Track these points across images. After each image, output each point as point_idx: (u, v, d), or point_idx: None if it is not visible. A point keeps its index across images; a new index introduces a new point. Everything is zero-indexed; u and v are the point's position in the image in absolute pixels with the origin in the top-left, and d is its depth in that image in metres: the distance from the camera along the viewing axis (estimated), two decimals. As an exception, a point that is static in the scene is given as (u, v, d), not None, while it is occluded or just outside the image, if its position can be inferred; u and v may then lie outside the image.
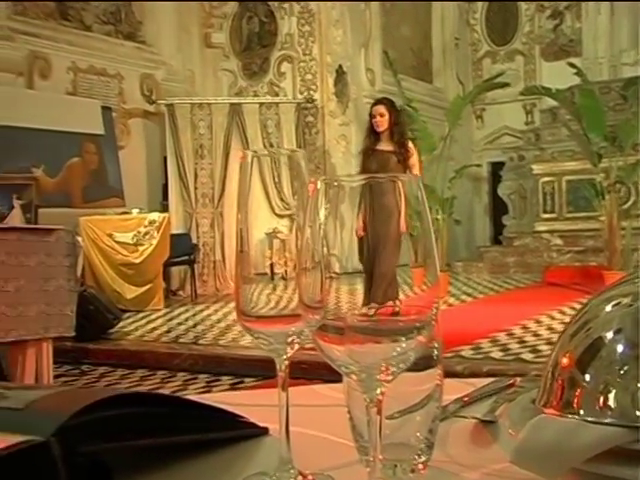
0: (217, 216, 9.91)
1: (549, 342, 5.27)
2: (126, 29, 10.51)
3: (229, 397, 0.96)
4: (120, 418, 0.62)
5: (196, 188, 9.95)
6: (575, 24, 13.03)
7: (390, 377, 0.52)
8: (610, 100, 10.69)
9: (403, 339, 0.51)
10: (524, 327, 6.16)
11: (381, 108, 6.03)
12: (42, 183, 8.25)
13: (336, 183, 0.52)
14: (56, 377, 4.52)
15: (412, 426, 0.66)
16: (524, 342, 5.51)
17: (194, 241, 9.68)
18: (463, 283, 9.92)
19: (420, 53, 12.87)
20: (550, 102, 10.78)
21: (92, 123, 9.31)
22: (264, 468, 0.67)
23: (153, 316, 7.74)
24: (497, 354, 5.13)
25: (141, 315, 7.75)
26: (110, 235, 8.20)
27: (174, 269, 9.43)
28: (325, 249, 0.52)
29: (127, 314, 7.41)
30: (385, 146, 5.96)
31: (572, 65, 9.58)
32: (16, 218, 6.51)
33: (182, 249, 8.91)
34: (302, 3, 10.72)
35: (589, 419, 0.62)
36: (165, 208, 9.66)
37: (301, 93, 10.77)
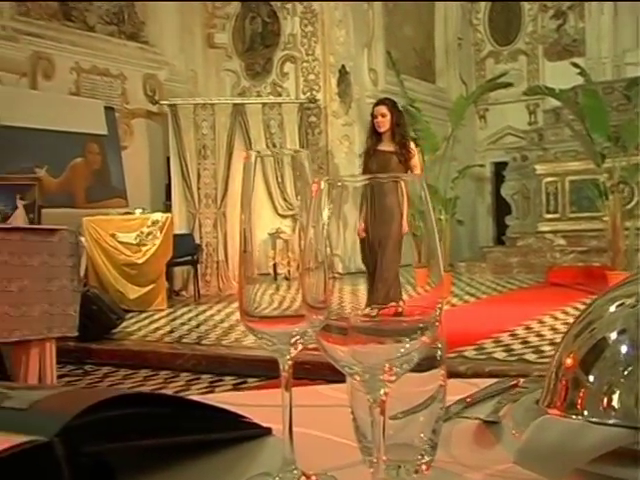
0: (220, 216, 9.92)
1: (552, 342, 5.27)
2: (129, 29, 10.52)
3: (232, 397, 0.96)
4: (123, 418, 0.62)
5: (199, 188, 9.95)
6: (578, 24, 13.02)
7: (393, 378, 0.52)
8: (613, 100, 10.67)
9: (407, 340, 0.51)
10: (527, 327, 6.15)
11: (383, 108, 6.02)
12: (45, 183, 8.25)
13: (339, 183, 0.52)
14: (59, 377, 4.52)
15: (415, 427, 0.66)
16: (527, 342, 5.50)
17: (197, 241, 9.68)
18: (466, 283, 9.92)
19: (423, 53, 12.87)
20: (553, 102, 10.77)
21: (95, 123, 9.32)
22: (267, 468, 0.67)
23: (156, 316, 7.74)
24: (500, 354, 5.13)
25: (144, 315, 7.76)
26: (113, 235, 8.21)
27: (177, 269, 9.44)
28: (328, 249, 0.52)
29: (130, 314, 7.42)
30: (386, 146, 5.95)
31: (575, 65, 9.57)
32: (19, 218, 6.51)
33: (185, 249, 8.92)
34: (305, 3, 10.72)
35: (593, 420, 0.62)
36: (168, 208, 9.67)
37: (304, 93, 10.77)
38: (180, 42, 11.05)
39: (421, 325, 0.51)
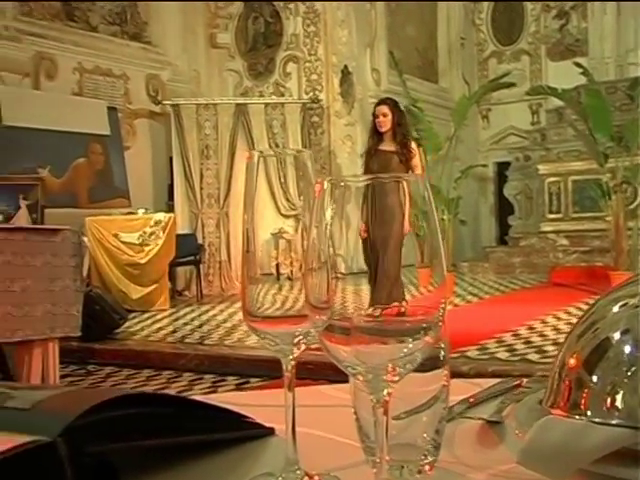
0: (223, 216, 9.92)
1: (555, 343, 5.26)
2: (132, 30, 10.53)
3: (235, 397, 0.96)
4: (126, 418, 0.62)
5: (202, 188, 9.96)
6: (581, 24, 13.00)
7: (397, 378, 0.52)
8: (616, 100, 10.66)
9: (410, 340, 0.51)
10: (530, 328, 6.15)
11: (384, 108, 6.01)
12: (48, 183, 8.26)
13: (342, 183, 0.52)
14: (62, 377, 4.53)
15: (419, 427, 0.66)
16: (530, 343, 5.49)
17: (200, 241, 9.69)
18: (469, 283, 9.91)
19: (426, 53, 12.86)
20: (556, 102, 10.76)
21: (98, 123, 9.33)
22: (270, 469, 0.67)
23: (159, 316, 7.75)
24: (503, 355, 5.12)
25: (147, 315, 7.77)
26: (116, 235, 8.22)
27: (180, 269, 9.44)
28: (331, 249, 0.52)
29: (133, 314, 7.43)
30: (387, 146, 5.94)
31: (578, 65, 9.56)
32: (22, 218, 6.52)
33: (188, 249, 8.92)
34: (307, 3, 10.72)
35: (596, 420, 0.62)
36: (171, 208, 9.67)
37: (307, 93, 10.78)
38: (183, 42, 11.06)
39: (424, 325, 0.51)
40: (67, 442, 0.54)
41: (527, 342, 5.52)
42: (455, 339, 4.79)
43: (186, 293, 9.60)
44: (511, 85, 10.88)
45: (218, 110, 10.00)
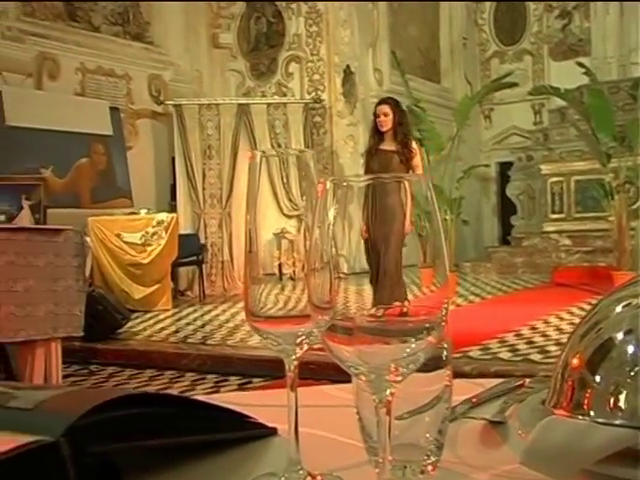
0: (225, 216, 9.93)
1: (558, 343, 5.26)
2: (134, 30, 10.54)
3: (237, 397, 0.96)
4: (129, 418, 0.62)
5: (204, 188, 9.97)
6: (584, 24, 12.99)
7: (399, 378, 0.52)
8: (619, 100, 10.65)
9: (412, 340, 0.51)
10: (532, 328, 6.14)
11: (385, 107, 6.01)
12: (51, 184, 8.28)
13: (345, 183, 0.52)
14: (65, 377, 4.53)
15: (421, 427, 0.66)
16: (532, 343, 5.49)
17: (202, 241, 9.69)
18: (471, 283, 9.91)
19: (428, 53, 12.86)
20: (559, 102, 10.75)
21: (100, 124, 9.34)
22: (273, 469, 0.67)
23: (161, 316, 7.75)
24: (505, 355, 5.12)
25: (149, 315, 7.77)
26: (118, 235, 8.22)
27: (182, 269, 9.45)
28: (334, 249, 0.52)
29: (135, 314, 7.43)
30: (388, 146, 5.93)
31: (581, 65, 9.55)
32: (25, 218, 6.54)
33: (190, 249, 8.92)
34: (310, 3, 10.72)
35: (599, 420, 0.61)
36: (173, 208, 9.68)
37: (309, 93, 10.78)
38: (185, 42, 11.07)
39: (427, 325, 0.51)
40: (70, 442, 0.54)
41: (530, 342, 5.52)
42: (458, 339, 4.78)
43: (188, 293, 9.60)
44: (513, 85, 10.87)
45: (220, 110, 10.01)
